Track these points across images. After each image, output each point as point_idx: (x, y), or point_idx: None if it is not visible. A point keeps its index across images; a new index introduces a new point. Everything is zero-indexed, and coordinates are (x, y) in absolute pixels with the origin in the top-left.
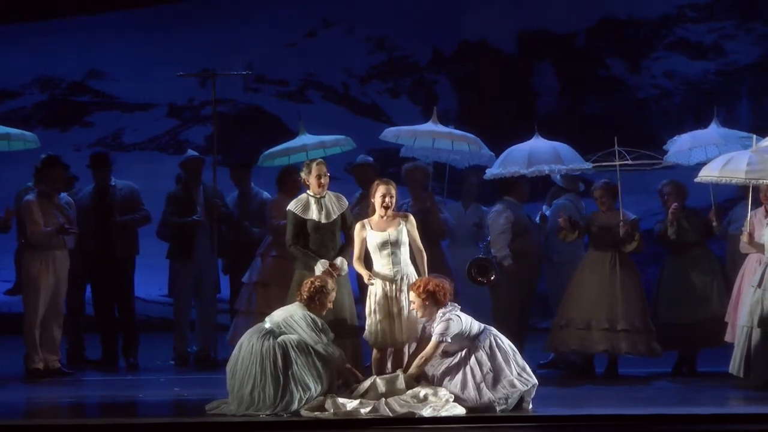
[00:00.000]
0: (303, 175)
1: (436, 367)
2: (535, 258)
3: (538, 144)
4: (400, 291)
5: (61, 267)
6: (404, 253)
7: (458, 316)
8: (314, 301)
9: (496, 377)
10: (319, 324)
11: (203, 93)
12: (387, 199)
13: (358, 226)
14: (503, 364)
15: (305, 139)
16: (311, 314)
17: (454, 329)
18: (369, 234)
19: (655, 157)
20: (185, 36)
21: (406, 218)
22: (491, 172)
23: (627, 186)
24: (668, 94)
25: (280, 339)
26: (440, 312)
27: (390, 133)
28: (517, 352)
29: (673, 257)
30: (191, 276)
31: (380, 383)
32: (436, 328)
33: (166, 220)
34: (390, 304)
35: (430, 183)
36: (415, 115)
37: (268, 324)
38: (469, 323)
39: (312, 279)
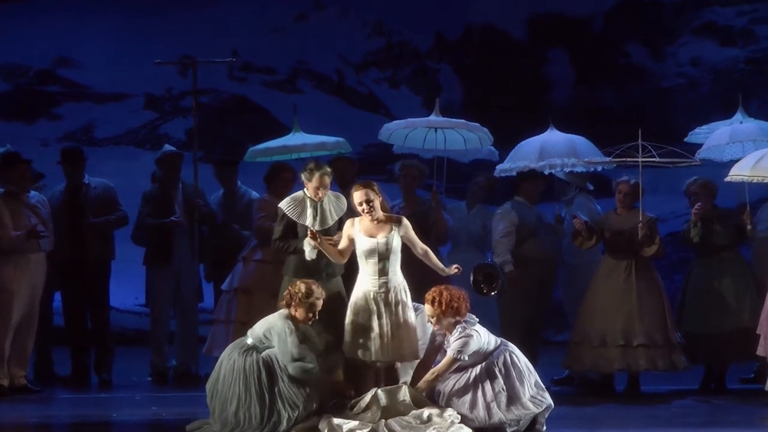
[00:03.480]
0: (303, 176)
1: (445, 383)
2: (547, 263)
3: (552, 137)
4: (386, 304)
5: (36, 272)
6: (394, 262)
7: (477, 331)
8: (297, 310)
9: (509, 397)
10: (300, 336)
11: (183, 82)
12: (363, 206)
13: (348, 222)
14: (517, 384)
15: (305, 138)
16: (292, 326)
17: (473, 347)
18: (357, 236)
19: (683, 154)
20: (163, 20)
21: (399, 223)
22: (501, 168)
23: (649, 185)
24: (695, 84)
25: (263, 354)
26: (459, 327)
27: (386, 131)
28: (534, 371)
29: (701, 261)
30: (170, 283)
31: (382, 395)
32: (453, 344)
33: (141, 221)
34: (371, 319)
35: (434, 182)
36: (415, 106)
37: (249, 339)
38: (486, 338)
39: (295, 285)
